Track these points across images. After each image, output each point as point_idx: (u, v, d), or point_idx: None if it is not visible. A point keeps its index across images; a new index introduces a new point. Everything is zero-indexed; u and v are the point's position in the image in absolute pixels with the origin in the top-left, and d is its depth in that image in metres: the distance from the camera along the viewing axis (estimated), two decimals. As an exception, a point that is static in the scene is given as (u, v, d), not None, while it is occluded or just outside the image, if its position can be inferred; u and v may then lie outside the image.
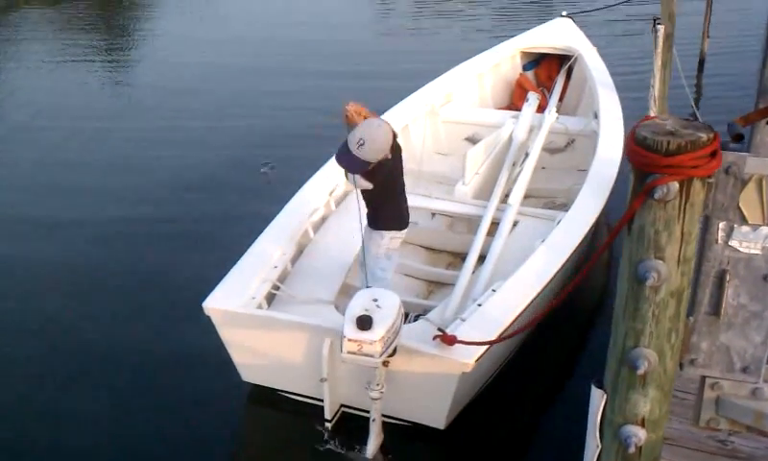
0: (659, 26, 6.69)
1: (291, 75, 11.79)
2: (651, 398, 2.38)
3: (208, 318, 4.68)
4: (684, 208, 2.10)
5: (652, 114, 6.64)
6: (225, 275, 4.91)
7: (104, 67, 13.15)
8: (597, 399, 2.52)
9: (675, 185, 2.05)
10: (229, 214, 7.40)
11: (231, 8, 16.60)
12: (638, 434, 2.42)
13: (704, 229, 2.26)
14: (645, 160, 2.06)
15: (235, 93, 11.15)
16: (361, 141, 4.38)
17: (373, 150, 4.43)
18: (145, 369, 5.32)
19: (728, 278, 2.31)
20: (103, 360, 5.45)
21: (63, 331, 5.75)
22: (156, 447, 4.64)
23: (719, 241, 2.28)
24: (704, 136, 2.04)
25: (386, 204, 4.75)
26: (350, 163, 4.48)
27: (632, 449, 2.42)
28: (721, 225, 2.27)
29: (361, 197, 4.77)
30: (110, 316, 5.94)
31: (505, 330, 4.35)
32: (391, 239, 4.83)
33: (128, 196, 7.95)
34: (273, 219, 5.47)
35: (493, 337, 4.24)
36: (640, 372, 2.30)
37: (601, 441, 2.55)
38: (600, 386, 2.52)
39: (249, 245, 5.18)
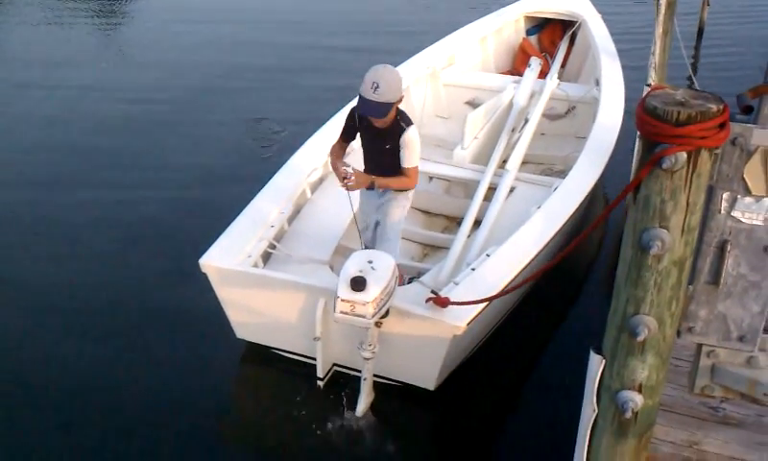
0: (661, -7, 6.63)
1: (286, 46, 11.57)
2: (649, 364, 2.42)
3: (205, 275, 4.70)
4: (691, 179, 2.11)
5: (651, 83, 6.63)
6: (222, 232, 4.93)
7: (92, 32, 12.86)
8: (596, 364, 2.56)
9: (683, 156, 2.06)
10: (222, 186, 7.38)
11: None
12: (635, 399, 2.47)
13: (707, 198, 2.28)
14: (654, 130, 2.07)
15: (229, 62, 10.92)
16: (375, 85, 4.32)
17: (390, 89, 4.38)
18: (140, 326, 5.34)
19: (729, 248, 2.33)
20: (95, 314, 5.48)
21: (58, 295, 5.74)
22: (150, 401, 4.68)
23: (722, 211, 2.30)
24: (713, 108, 2.05)
25: None
26: (376, 109, 4.40)
27: (628, 414, 2.47)
28: (725, 195, 2.28)
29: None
30: (102, 274, 5.94)
31: (497, 295, 4.39)
32: (409, 199, 4.84)
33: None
34: (270, 178, 5.47)
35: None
36: (640, 338, 2.34)
37: (597, 406, 2.60)
38: (599, 352, 2.55)
39: (246, 204, 5.19)
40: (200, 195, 7.12)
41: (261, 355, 4.98)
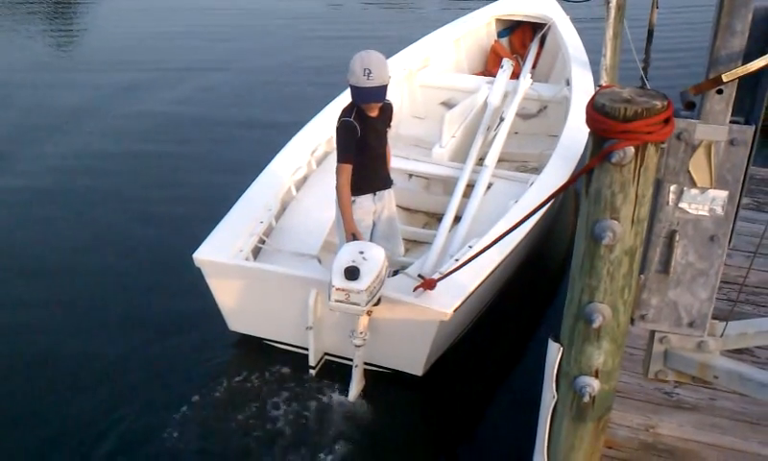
0: (611, -3, 6.78)
1: (254, 52, 11.65)
2: (604, 350, 2.49)
3: (198, 269, 4.74)
4: (639, 172, 2.18)
5: (603, 83, 6.78)
6: (213, 228, 4.97)
7: (43, 50, 12.69)
8: (554, 352, 2.62)
9: (631, 150, 2.13)
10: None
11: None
12: (592, 384, 2.53)
13: (656, 191, 2.36)
14: (603, 126, 2.14)
15: (191, 70, 11.00)
16: (367, 71, 4.27)
17: (383, 71, 4.34)
18: (133, 319, 5.37)
19: (677, 237, 2.41)
20: (91, 309, 5.53)
21: (56, 280, 5.86)
22: (142, 395, 4.66)
23: (670, 203, 2.38)
24: (658, 104, 2.12)
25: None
26: (378, 93, 4.34)
27: (586, 399, 2.53)
28: (672, 188, 2.36)
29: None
30: (99, 268, 6.02)
31: (481, 283, 4.52)
32: None
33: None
34: (257, 176, 5.52)
35: (471, 289, 4.44)
36: (595, 325, 2.40)
37: (557, 392, 2.68)
38: (557, 340, 2.63)
39: (235, 200, 5.24)
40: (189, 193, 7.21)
41: (254, 347, 5.02)
